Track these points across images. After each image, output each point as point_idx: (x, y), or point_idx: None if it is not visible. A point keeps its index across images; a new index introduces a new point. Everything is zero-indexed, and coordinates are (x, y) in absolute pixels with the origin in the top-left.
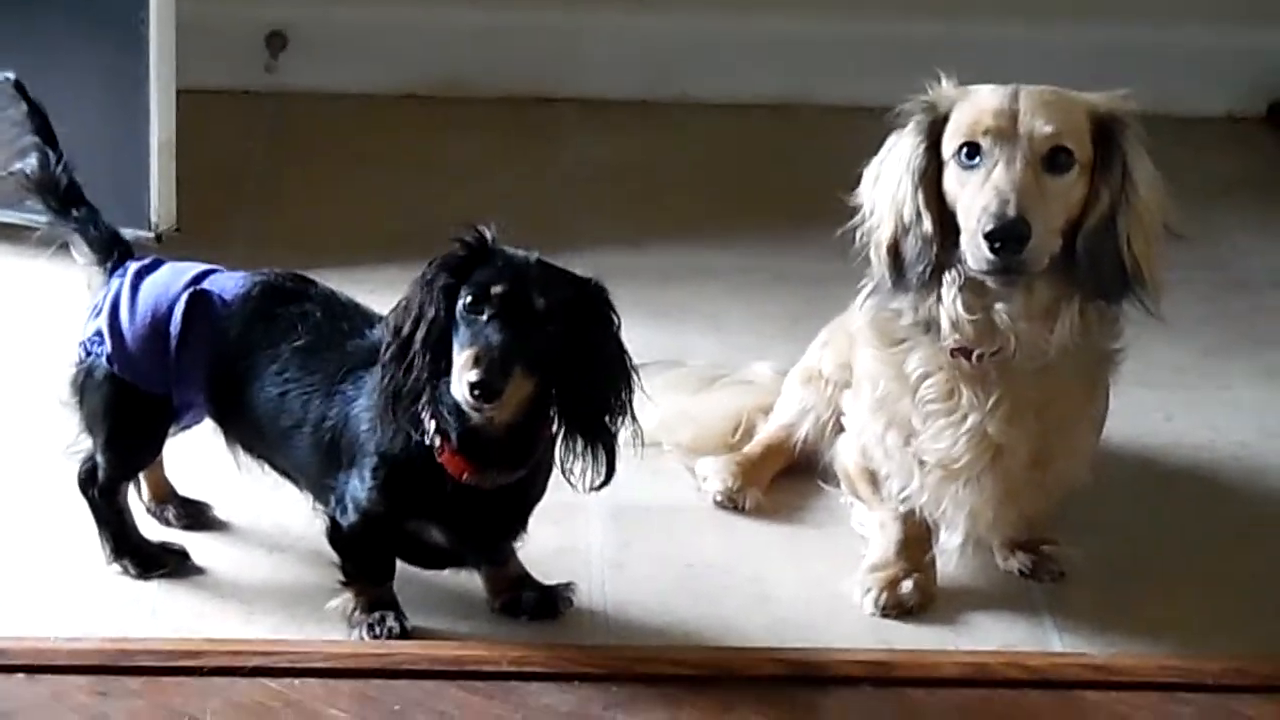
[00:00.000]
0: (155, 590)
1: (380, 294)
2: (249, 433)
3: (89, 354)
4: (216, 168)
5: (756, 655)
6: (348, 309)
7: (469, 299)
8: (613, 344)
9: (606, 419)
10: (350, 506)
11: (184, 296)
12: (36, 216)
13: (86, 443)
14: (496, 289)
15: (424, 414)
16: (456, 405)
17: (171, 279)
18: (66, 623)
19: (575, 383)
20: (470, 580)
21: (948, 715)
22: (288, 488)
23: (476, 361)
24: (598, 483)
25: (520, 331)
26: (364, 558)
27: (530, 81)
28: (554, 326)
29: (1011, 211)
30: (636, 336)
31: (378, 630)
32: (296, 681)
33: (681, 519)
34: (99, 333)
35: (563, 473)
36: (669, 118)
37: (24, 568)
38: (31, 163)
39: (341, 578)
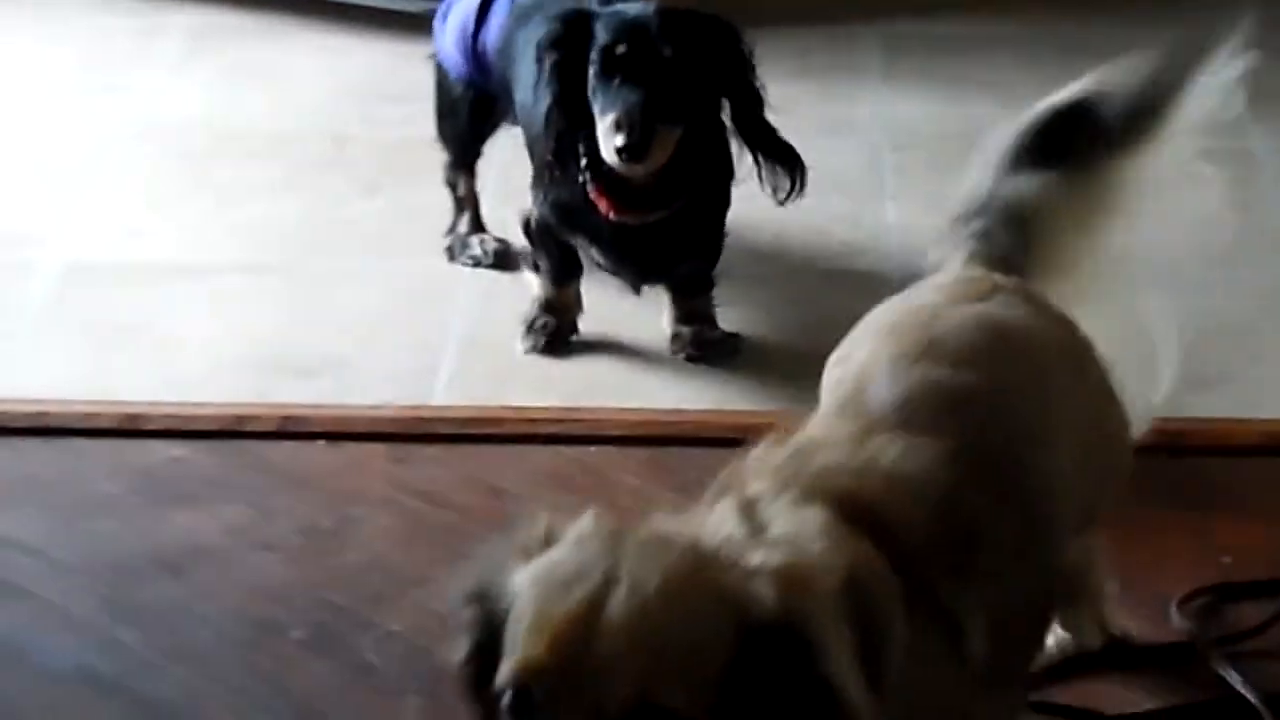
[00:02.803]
0: (451, 359)
1: None
2: (522, 123)
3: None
4: None
5: None
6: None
7: (597, 65)
8: (747, 74)
9: (776, 134)
10: (534, 207)
11: None
12: None
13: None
14: (620, 48)
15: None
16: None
17: None
18: (365, 391)
19: (738, 113)
20: (763, 358)
21: (1243, 485)
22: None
23: (618, 126)
24: (792, 190)
25: (654, 85)
26: (544, 253)
27: None
28: (686, 72)
29: None
30: (925, 109)
31: (535, 326)
32: (591, 449)
33: None
34: (441, 20)
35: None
36: None
37: (325, 338)
38: None
39: (533, 262)
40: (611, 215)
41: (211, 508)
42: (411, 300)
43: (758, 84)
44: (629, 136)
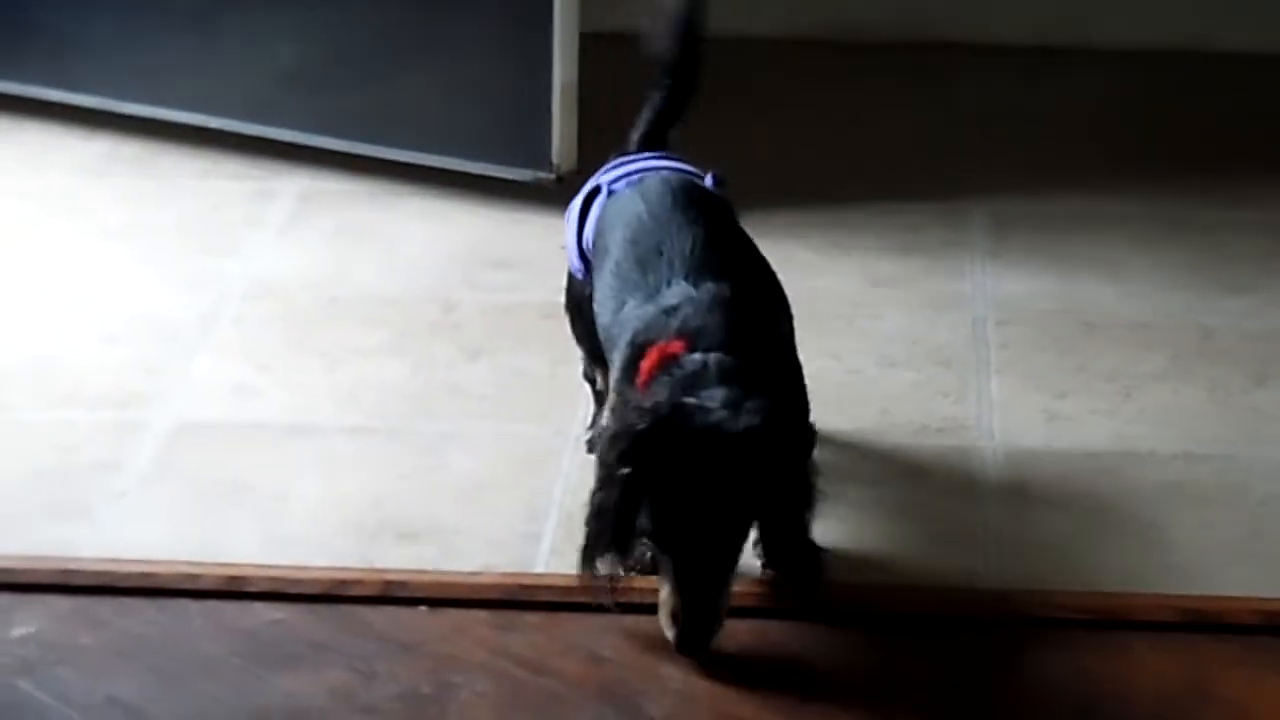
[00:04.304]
0: (553, 526)
1: (774, 238)
2: (602, 338)
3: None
4: (617, 111)
5: (1153, 600)
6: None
7: (658, 523)
8: (807, 482)
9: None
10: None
11: (587, 188)
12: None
13: None
14: (682, 519)
15: None
16: None
17: (607, 172)
18: (467, 557)
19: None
20: (863, 529)
21: None
22: None
23: (676, 619)
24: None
25: (721, 550)
26: None
27: (925, 25)
28: (753, 510)
29: None
30: (1033, 285)
31: None
32: None
33: (1077, 464)
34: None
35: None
36: (1066, 63)
37: (429, 502)
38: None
39: None
40: None
41: (313, 671)
42: (515, 466)
43: (814, 488)
44: (692, 633)
